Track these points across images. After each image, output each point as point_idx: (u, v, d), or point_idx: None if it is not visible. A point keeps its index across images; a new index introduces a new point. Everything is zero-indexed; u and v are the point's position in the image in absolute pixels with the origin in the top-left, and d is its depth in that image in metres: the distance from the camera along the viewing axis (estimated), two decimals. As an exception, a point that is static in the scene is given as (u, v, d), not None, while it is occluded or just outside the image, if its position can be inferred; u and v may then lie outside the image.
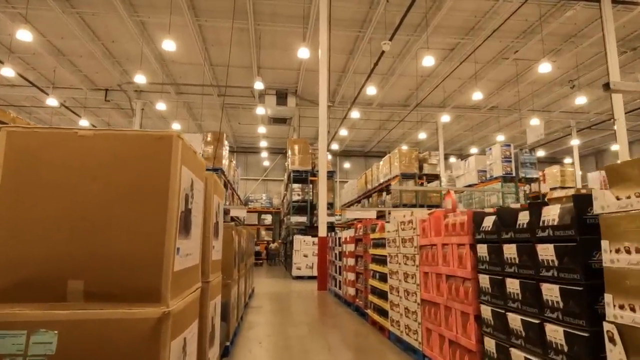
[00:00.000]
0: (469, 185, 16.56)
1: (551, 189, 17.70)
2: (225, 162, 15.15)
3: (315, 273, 13.47)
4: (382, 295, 5.12)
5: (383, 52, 11.96)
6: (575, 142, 21.92)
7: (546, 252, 2.08)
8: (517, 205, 2.47)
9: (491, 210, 2.63)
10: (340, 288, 8.28)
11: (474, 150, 26.48)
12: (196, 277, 2.05)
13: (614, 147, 25.47)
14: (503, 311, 2.51)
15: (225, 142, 15.56)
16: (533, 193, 16.93)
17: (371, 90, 14.69)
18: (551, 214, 2.05)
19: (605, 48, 11.45)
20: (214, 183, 2.50)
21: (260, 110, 17.94)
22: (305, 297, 9.01)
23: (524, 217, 2.29)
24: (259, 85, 14.43)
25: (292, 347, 4.72)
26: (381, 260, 5.16)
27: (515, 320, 2.37)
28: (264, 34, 14.11)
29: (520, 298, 2.34)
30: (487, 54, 15.29)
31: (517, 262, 2.37)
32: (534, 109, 20.60)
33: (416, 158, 14.90)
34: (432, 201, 15.19)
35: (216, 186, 2.61)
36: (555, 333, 1.99)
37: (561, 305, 2.01)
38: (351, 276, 7.02)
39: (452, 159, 27.37)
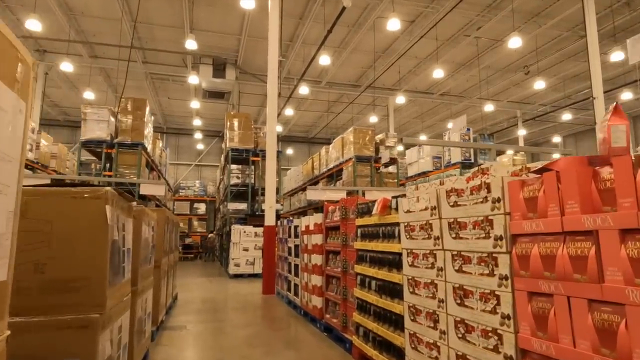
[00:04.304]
0: (423, 173, 15.27)
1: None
2: (148, 137, 12.37)
3: (257, 270, 11.40)
4: (387, 318, 3.14)
5: (344, 8, 10.06)
6: (521, 132, 21.73)
7: None
8: None
9: None
10: (296, 294, 6.25)
11: (422, 138, 25.66)
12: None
13: (556, 139, 25.93)
14: None
15: (150, 115, 12.78)
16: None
17: (324, 59, 12.71)
18: None
19: (585, 21, 10.50)
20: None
21: (193, 79, 15.24)
22: (248, 307, 6.89)
23: None
24: (191, 45, 11.85)
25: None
26: (382, 261, 3.22)
27: None
28: (198, -19, 11.60)
29: None
30: (448, 29, 14.03)
31: None
32: (487, 97, 19.94)
33: (372, 140, 13.24)
34: (388, 186, 13.69)
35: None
36: None
37: None
38: (317, 280, 5.02)
39: (400, 147, 26.40)
